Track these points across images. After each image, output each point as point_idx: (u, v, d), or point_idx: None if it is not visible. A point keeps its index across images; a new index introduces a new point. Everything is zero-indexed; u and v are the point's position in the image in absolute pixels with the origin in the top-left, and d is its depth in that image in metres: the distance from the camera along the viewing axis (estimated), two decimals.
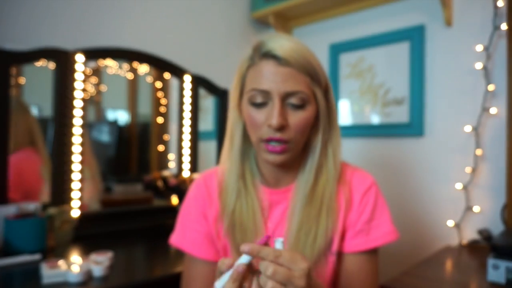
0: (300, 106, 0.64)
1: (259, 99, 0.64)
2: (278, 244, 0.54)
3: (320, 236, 0.68)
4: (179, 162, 1.58)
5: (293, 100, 0.64)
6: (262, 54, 0.65)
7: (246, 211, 0.70)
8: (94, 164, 1.42)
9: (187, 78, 1.59)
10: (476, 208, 1.33)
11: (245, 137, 0.72)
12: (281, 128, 0.63)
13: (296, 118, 0.64)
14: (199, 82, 1.63)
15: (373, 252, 0.72)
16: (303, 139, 0.68)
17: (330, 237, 0.69)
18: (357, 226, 0.71)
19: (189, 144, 1.59)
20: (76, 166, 1.24)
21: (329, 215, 0.69)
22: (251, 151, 0.74)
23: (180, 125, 1.59)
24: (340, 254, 0.72)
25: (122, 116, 1.60)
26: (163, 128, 1.67)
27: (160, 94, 1.66)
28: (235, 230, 0.70)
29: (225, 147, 0.74)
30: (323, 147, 0.70)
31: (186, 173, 1.57)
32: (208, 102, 1.78)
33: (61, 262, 0.87)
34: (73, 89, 1.24)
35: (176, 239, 0.76)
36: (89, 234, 1.24)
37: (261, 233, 0.70)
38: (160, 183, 1.46)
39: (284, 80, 0.62)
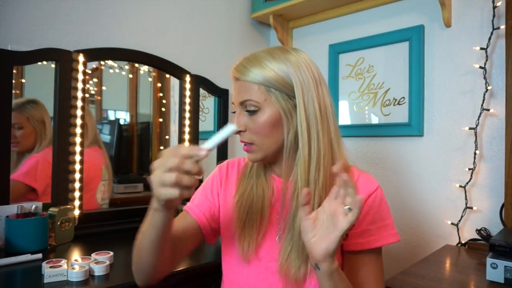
0: (253, 112, 0.73)
1: (234, 109, 0.78)
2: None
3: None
4: None
5: (246, 107, 0.74)
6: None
7: (256, 192, 0.79)
8: (110, 169, 1.50)
9: (188, 78, 1.60)
10: (475, 208, 1.33)
11: None
12: (240, 131, 0.75)
13: (251, 122, 0.74)
14: (199, 82, 1.64)
15: (377, 251, 0.76)
16: (267, 139, 0.75)
17: None
18: (361, 226, 0.75)
19: (189, 144, 1.60)
20: (76, 166, 1.24)
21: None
22: None
23: (181, 125, 1.60)
24: (343, 252, 0.76)
25: (122, 116, 1.61)
26: (164, 128, 1.68)
27: (160, 94, 1.66)
28: (241, 210, 0.78)
29: None
30: (294, 145, 0.75)
31: None
32: (208, 102, 1.79)
33: (62, 262, 0.88)
34: (74, 89, 1.25)
35: (186, 206, 0.86)
36: (90, 234, 1.24)
37: (265, 219, 0.77)
38: None
39: (238, 92, 0.75)
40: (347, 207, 0.59)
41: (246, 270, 0.78)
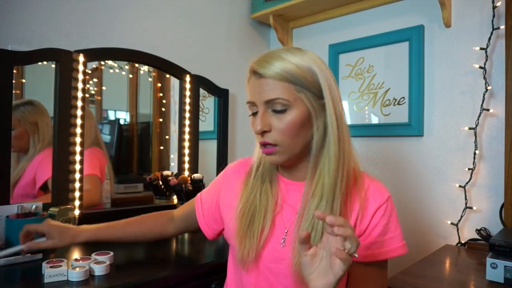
0: (281, 111, 0.70)
1: (252, 109, 0.74)
2: None
3: None
4: (179, 162, 1.59)
5: (274, 107, 0.70)
6: (250, 71, 0.74)
7: (259, 198, 0.78)
8: (111, 169, 1.50)
9: (188, 78, 1.60)
10: (475, 208, 1.33)
11: None
12: (264, 132, 0.71)
13: (279, 122, 0.71)
14: (199, 82, 1.64)
15: (383, 263, 0.76)
16: (294, 140, 0.72)
17: None
18: (370, 238, 0.74)
19: (189, 144, 1.60)
20: (77, 166, 1.24)
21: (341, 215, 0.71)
22: None
23: (181, 125, 1.60)
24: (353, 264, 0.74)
25: (122, 116, 1.61)
26: (164, 128, 1.68)
27: (160, 94, 1.66)
28: (243, 218, 0.77)
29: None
30: (320, 146, 0.73)
31: (186, 173, 1.58)
32: (208, 102, 1.79)
33: (62, 262, 0.88)
34: (74, 89, 1.25)
35: (200, 196, 0.93)
36: None
37: (267, 226, 0.75)
38: (160, 183, 1.47)
39: (263, 90, 0.70)
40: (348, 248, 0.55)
41: (246, 276, 0.78)
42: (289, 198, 0.78)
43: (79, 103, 1.26)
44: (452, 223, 1.38)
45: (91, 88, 1.44)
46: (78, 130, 1.25)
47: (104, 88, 1.51)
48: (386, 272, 0.78)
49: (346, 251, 0.55)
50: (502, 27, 1.26)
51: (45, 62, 1.24)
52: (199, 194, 0.94)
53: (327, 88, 0.72)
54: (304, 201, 0.74)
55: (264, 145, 0.72)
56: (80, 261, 0.89)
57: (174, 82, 1.63)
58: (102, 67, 1.49)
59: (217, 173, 0.98)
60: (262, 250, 0.75)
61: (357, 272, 0.75)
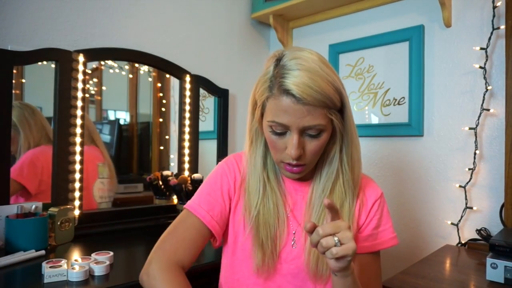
0: (316, 136, 0.70)
1: (279, 129, 0.70)
2: None
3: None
4: (179, 162, 1.58)
5: (310, 132, 0.69)
6: (282, 90, 0.67)
7: (271, 210, 0.76)
8: (113, 167, 1.49)
9: (188, 78, 1.60)
10: (475, 208, 1.33)
11: (266, 148, 0.78)
12: (299, 157, 0.70)
13: (312, 146, 0.71)
14: (199, 82, 1.64)
15: (377, 253, 0.82)
16: (318, 157, 0.75)
17: None
18: (367, 231, 0.80)
19: (189, 144, 1.60)
20: (77, 166, 1.24)
21: (349, 221, 0.76)
22: (271, 155, 0.79)
23: (181, 125, 1.60)
24: None
25: (122, 116, 1.61)
26: (164, 128, 1.68)
27: (160, 94, 1.66)
28: (259, 229, 0.75)
29: (247, 148, 0.80)
30: (340, 159, 0.76)
31: (186, 173, 1.58)
32: (208, 102, 1.79)
33: (62, 262, 0.88)
34: (74, 89, 1.25)
35: (190, 204, 0.80)
36: (90, 234, 1.24)
37: (284, 229, 0.77)
38: (160, 183, 1.46)
39: (302, 116, 0.67)
40: (337, 239, 0.58)
41: (265, 283, 0.77)
42: (297, 197, 0.81)
43: (79, 103, 1.26)
44: (452, 223, 1.38)
45: (91, 88, 1.44)
46: (78, 130, 1.25)
47: (104, 88, 1.51)
48: (380, 261, 0.83)
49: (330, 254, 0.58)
50: (502, 27, 1.26)
51: (45, 62, 1.23)
52: (190, 210, 0.78)
53: (346, 98, 0.73)
54: (314, 200, 0.77)
55: (293, 166, 0.72)
56: (80, 261, 0.89)
57: (174, 82, 1.63)
58: (102, 67, 1.49)
59: None
60: (281, 254, 0.77)
61: (356, 261, 0.78)
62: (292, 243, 0.77)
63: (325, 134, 0.71)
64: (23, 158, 1.27)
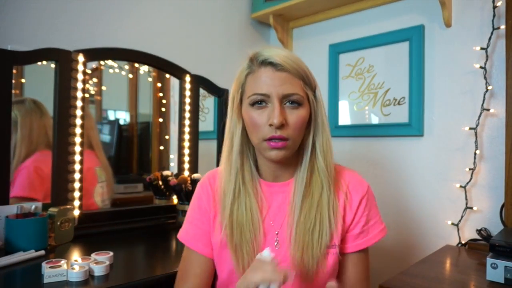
0: (296, 106, 0.72)
1: (260, 102, 0.72)
2: (266, 253, 0.62)
3: (325, 233, 0.74)
4: (179, 162, 1.58)
5: (290, 101, 0.72)
6: (260, 62, 0.73)
7: (244, 212, 0.76)
8: (110, 169, 1.47)
9: (188, 78, 1.60)
10: (475, 208, 1.33)
11: (244, 139, 0.78)
12: (281, 126, 0.70)
13: (294, 117, 0.72)
14: (199, 82, 1.64)
15: (367, 249, 0.82)
16: (299, 137, 0.75)
17: (332, 232, 0.75)
18: (358, 228, 0.79)
19: (189, 144, 1.60)
20: (76, 166, 1.24)
21: (330, 212, 0.75)
22: (249, 152, 0.80)
23: (180, 125, 1.59)
24: (342, 254, 0.79)
25: (122, 116, 1.61)
26: (164, 128, 1.68)
27: (160, 94, 1.66)
28: (233, 231, 0.76)
29: (224, 149, 0.81)
30: (313, 146, 0.77)
31: (186, 173, 1.57)
32: (208, 102, 1.79)
33: (62, 262, 0.88)
34: (73, 89, 1.25)
35: (181, 234, 0.85)
36: (89, 234, 1.24)
37: (259, 232, 0.76)
38: (160, 183, 1.46)
39: (282, 83, 0.70)
40: None
41: None
42: (273, 201, 0.79)
43: (79, 103, 1.25)
44: (452, 223, 1.38)
45: (91, 88, 1.44)
46: (78, 130, 1.25)
47: (104, 88, 1.51)
48: (368, 257, 0.83)
49: None
50: (503, 27, 1.26)
51: (44, 62, 1.23)
52: (188, 246, 0.82)
53: (318, 88, 0.77)
54: (296, 198, 0.76)
55: (276, 139, 0.71)
56: (80, 261, 0.89)
57: (174, 82, 1.63)
58: (102, 67, 1.49)
59: None
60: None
61: (347, 260, 0.79)
62: (275, 243, 0.77)
63: (303, 110, 0.73)
64: (25, 172, 1.23)
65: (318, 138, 0.77)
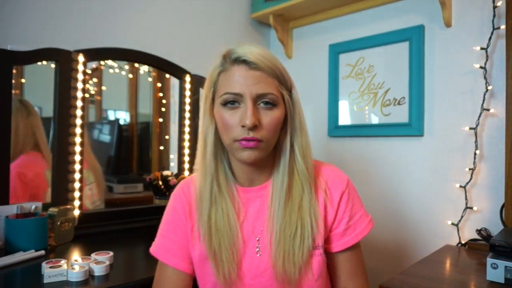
0: (270, 107, 0.69)
1: (232, 102, 0.69)
2: None
3: (307, 237, 0.71)
4: (179, 162, 1.58)
5: (265, 101, 0.68)
6: (233, 59, 0.69)
7: (221, 217, 0.73)
8: (99, 169, 1.44)
9: (188, 78, 1.60)
10: (475, 208, 1.33)
11: (217, 141, 0.75)
12: (254, 127, 0.67)
13: (268, 118, 0.69)
14: (199, 82, 1.64)
15: (358, 243, 0.79)
16: (274, 138, 0.72)
17: (315, 235, 0.73)
18: (342, 225, 0.76)
19: (189, 144, 1.60)
20: (76, 166, 1.24)
21: (311, 215, 0.72)
22: (223, 154, 0.77)
23: (180, 125, 1.60)
24: (328, 254, 0.76)
25: (122, 116, 1.61)
26: (163, 128, 1.68)
27: (160, 94, 1.66)
28: (211, 237, 0.72)
29: (198, 153, 0.77)
30: (291, 147, 0.74)
31: (186, 173, 1.58)
32: None
33: (62, 262, 0.88)
34: (74, 89, 1.25)
35: (154, 248, 0.79)
36: (89, 234, 1.24)
37: (238, 237, 0.73)
38: (160, 183, 1.46)
39: (255, 82, 0.67)
40: None
41: None
42: (251, 207, 0.76)
43: (79, 103, 1.25)
44: (452, 223, 1.38)
45: (91, 88, 1.44)
46: (78, 130, 1.25)
47: (104, 88, 1.51)
48: (361, 250, 0.80)
49: None
50: (503, 27, 1.26)
51: (44, 62, 1.23)
52: (162, 261, 0.78)
53: (295, 89, 0.74)
54: (275, 202, 0.73)
55: (248, 140, 0.67)
56: (80, 261, 0.89)
57: (174, 82, 1.63)
58: (102, 67, 1.49)
59: None
60: (241, 264, 0.73)
61: (339, 258, 0.77)
62: (257, 250, 0.74)
63: (278, 111, 0.70)
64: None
65: (296, 140, 0.74)
